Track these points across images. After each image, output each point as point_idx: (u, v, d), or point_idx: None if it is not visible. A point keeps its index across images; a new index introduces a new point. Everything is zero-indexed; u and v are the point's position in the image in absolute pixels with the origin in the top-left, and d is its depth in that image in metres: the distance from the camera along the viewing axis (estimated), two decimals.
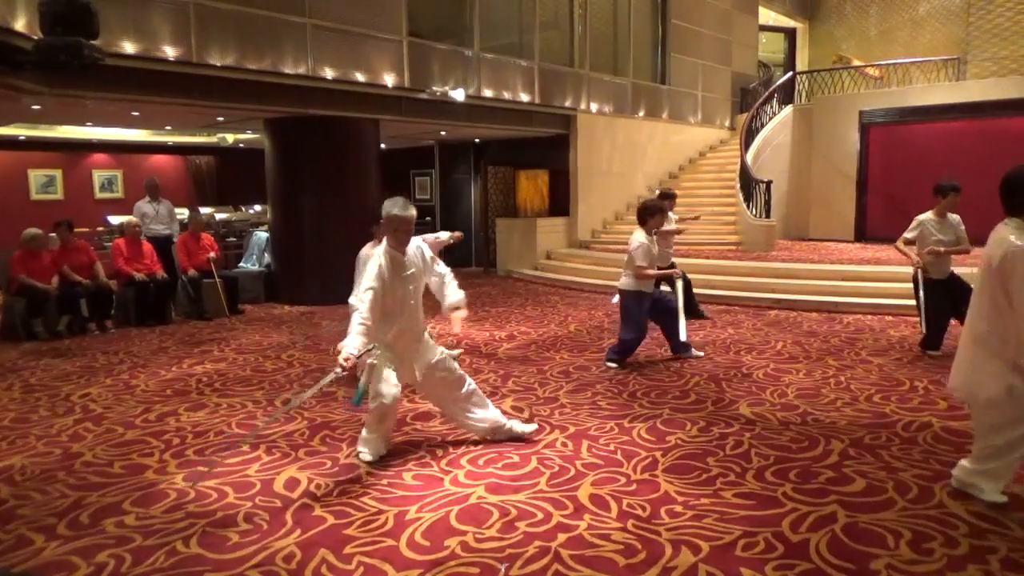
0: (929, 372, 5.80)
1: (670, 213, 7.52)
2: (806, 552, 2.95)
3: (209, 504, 3.52)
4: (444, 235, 6.53)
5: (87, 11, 5.79)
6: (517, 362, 6.47)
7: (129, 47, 7.59)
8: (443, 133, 13.07)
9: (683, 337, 6.38)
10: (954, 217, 6.11)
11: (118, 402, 5.36)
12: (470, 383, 4.24)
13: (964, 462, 3.48)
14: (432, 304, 4.28)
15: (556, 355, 6.72)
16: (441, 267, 4.22)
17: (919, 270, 6.13)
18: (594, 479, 3.74)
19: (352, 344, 3.54)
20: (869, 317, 8.34)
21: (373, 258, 3.87)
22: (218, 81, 8.41)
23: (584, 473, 3.83)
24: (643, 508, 3.39)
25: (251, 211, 15.12)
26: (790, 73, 16.93)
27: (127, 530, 3.25)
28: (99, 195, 14.48)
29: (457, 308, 4.18)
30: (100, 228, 12.90)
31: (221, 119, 11.08)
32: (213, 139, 14.66)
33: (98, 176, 14.53)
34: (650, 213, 6.09)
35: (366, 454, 4.07)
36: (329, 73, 9.29)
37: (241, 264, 11.23)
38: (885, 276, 9.26)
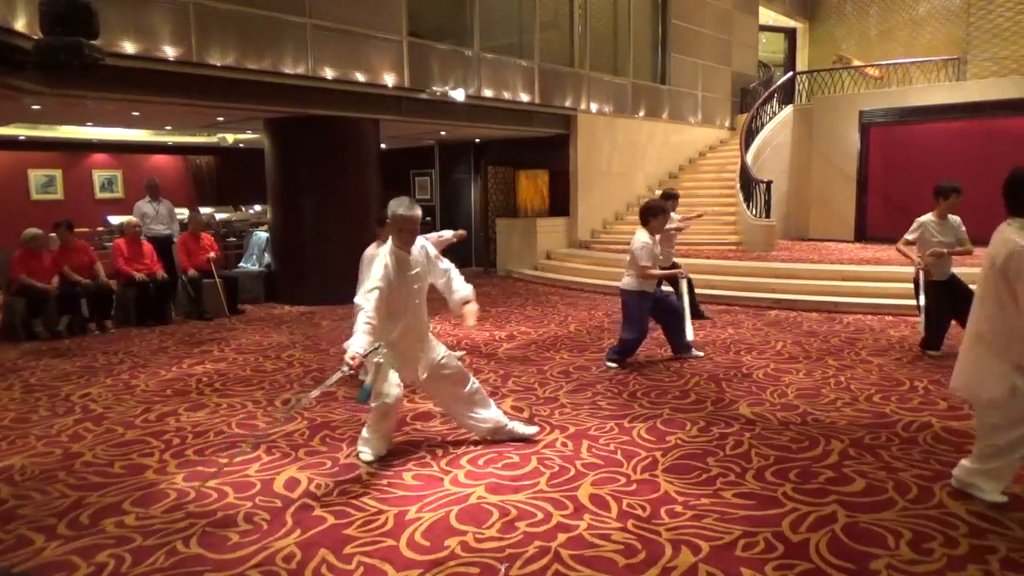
0: (929, 372, 5.80)
1: (672, 213, 7.52)
2: (806, 552, 2.95)
3: (209, 504, 3.52)
4: (447, 234, 6.54)
5: (87, 11, 5.80)
6: (517, 362, 6.47)
7: (129, 47, 7.59)
8: (443, 133, 13.07)
9: (690, 337, 6.39)
10: (955, 219, 6.12)
11: (118, 402, 5.36)
12: (474, 381, 4.24)
13: (965, 462, 3.48)
14: (434, 304, 4.28)
15: (556, 355, 6.72)
16: (445, 263, 4.23)
17: (921, 271, 6.13)
18: (594, 479, 3.74)
19: (358, 343, 3.54)
20: (869, 317, 8.34)
21: (379, 257, 3.87)
22: (218, 81, 8.41)
23: (584, 473, 3.83)
24: (643, 508, 3.39)
25: (251, 211, 15.12)
26: (790, 73, 16.93)
27: (127, 530, 3.25)
28: (99, 195, 14.48)
29: (467, 302, 4.17)
30: (100, 228, 12.90)
31: (221, 119, 11.08)
32: (213, 139, 14.66)
33: (98, 176, 14.53)
34: (653, 213, 6.09)
35: (366, 454, 4.08)
36: (329, 73, 9.29)
37: (241, 264, 11.24)
38: (885, 276, 9.26)
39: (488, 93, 11.45)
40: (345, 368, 3.53)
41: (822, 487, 3.59)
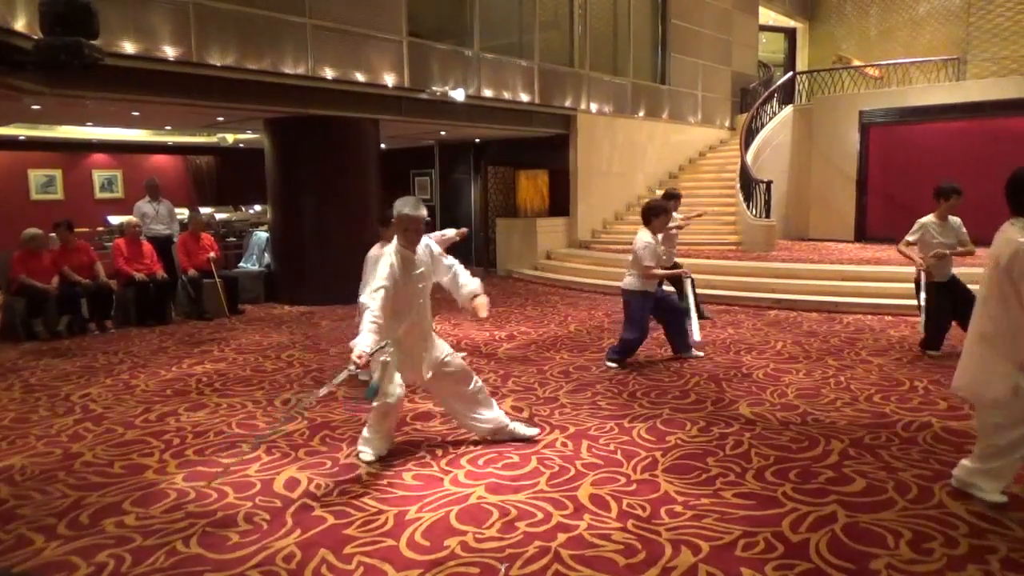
0: (929, 372, 5.80)
1: (674, 213, 7.53)
2: (806, 552, 2.95)
3: (209, 504, 3.52)
4: (450, 232, 6.54)
5: (87, 11, 5.80)
6: (517, 362, 6.47)
7: (129, 47, 7.59)
8: (443, 133, 13.06)
9: (697, 337, 6.40)
10: (955, 220, 6.13)
11: (118, 402, 5.36)
12: (476, 380, 4.25)
13: (965, 461, 3.48)
14: (435, 304, 4.28)
15: (556, 355, 6.72)
16: (449, 259, 4.23)
17: (922, 272, 6.13)
18: (594, 479, 3.74)
19: (364, 342, 3.54)
20: (869, 317, 8.34)
21: (384, 257, 3.88)
22: (218, 81, 8.41)
23: (584, 473, 3.83)
24: (643, 508, 3.39)
25: (251, 211, 15.11)
26: (790, 73, 16.93)
27: (127, 530, 3.25)
28: (99, 195, 14.48)
29: (476, 295, 4.17)
30: (100, 228, 12.89)
31: (221, 119, 11.07)
32: (213, 139, 14.66)
33: (98, 176, 14.53)
34: (655, 213, 6.10)
35: (366, 454, 4.08)
36: (329, 73, 9.29)
37: (241, 264, 11.23)
38: (885, 276, 9.26)
39: (488, 93, 11.45)
40: (352, 367, 3.53)
41: (822, 487, 3.59)
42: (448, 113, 10.99)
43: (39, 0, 5.75)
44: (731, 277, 10.05)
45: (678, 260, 8.19)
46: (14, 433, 4.67)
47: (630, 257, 6.18)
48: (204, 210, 13.17)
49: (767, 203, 12.28)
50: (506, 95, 11.75)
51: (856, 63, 16.69)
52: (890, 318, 8.20)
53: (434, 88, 10.47)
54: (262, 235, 11.21)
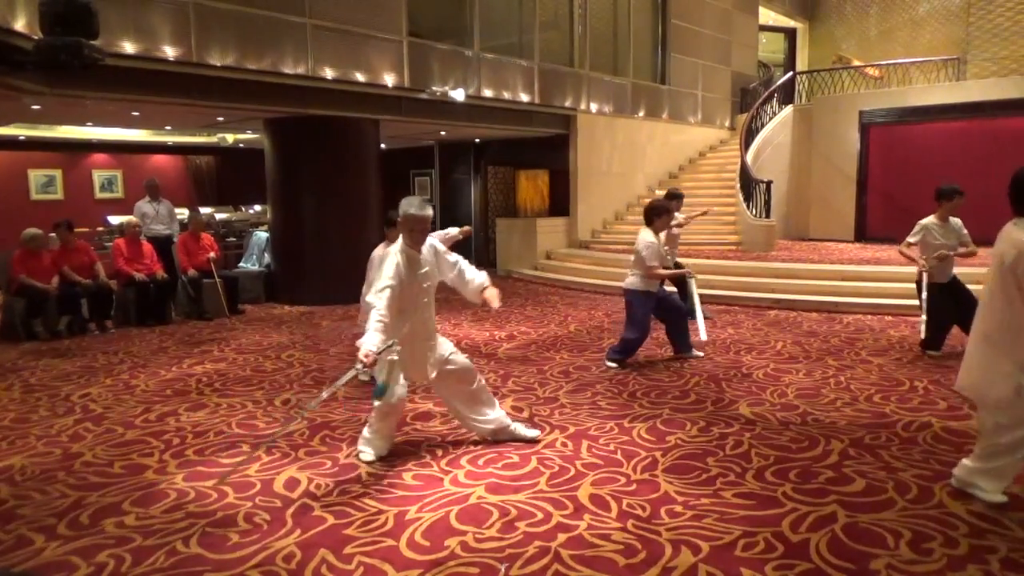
0: (929, 372, 5.80)
1: (676, 214, 7.53)
2: (806, 552, 2.95)
3: (209, 504, 3.52)
4: (453, 231, 6.53)
5: (87, 11, 5.80)
6: (517, 362, 6.47)
7: (129, 47, 7.59)
8: (443, 133, 13.07)
9: (704, 337, 6.39)
10: (956, 221, 6.13)
11: (118, 402, 5.36)
12: (480, 379, 4.26)
13: (966, 461, 3.48)
14: (438, 305, 4.28)
15: (556, 355, 6.72)
16: (453, 256, 4.23)
17: (924, 273, 6.13)
18: (594, 479, 3.74)
19: (371, 341, 3.54)
20: (869, 317, 8.34)
21: (390, 256, 3.88)
22: (218, 81, 8.41)
23: (584, 473, 3.83)
24: (643, 508, 3.39)
25: (251, 211, 15.11)
26: (790, 73, 16.93)
27: (127, 530, 3.26)
28: (99, 195, 14.47)
29: (485, 288, 4.17)
30: (100, 228, 12.89)
31: (221, 119, 11.07)
32: (213, 139, 14.66)
33: (98, 176, 14.52)
34: (657, 213, 6.11)
35: (366, 454, 4.08)
36: (329, 73, 9.30)
37: (241, 264, 11.23)
38: (885, 276, 9.26)
39: (488, 93, 11.45)
40: (359, 366, 3.53)
41: (822, 487, 3.59)
42: (448, 113, 10.99)
43: (39, 0, 5.75)
44: (731, 277, 10.05)
45: (680, 260, 8.19)
46: (14, 433, 4.67)
47: (631, 257, 6.18)
48: (204, 210, 13.16)
49: (767, 203, 12.28)
50: (506, 95, 11.75)
51: (856, 63, 16.70)
52: (890, 318, 8.20)
53: (434, 88, 10.47)
54: (262, 235, 11.21)
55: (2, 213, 12.49)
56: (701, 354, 6.48)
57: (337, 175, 9.99)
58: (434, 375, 4.07)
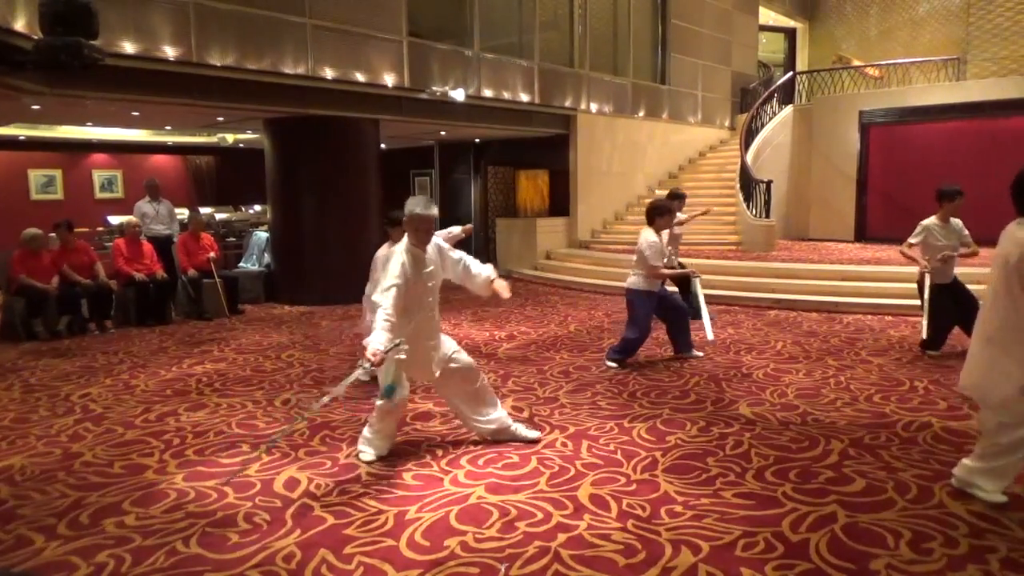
0: (929, 372, 5.80)
1: (678, 214, 7.53)
2: (806, 552, 2.95)
3: (209, 504, 3.52)
4: (456, 229, 6.53)
5: (87, 11, 5.80)
6: (517, 362, 6.47)
7: (129, 47, 7.59)
8: (443, 133, 13.06)
9: (711, 337, 6.39)
10: (956, 222, 6.14)
11: (118, 402, 5.36)
12: (483, 378, 4.26)
13: (966, 461, 3.48)
14: (440, 304, 4.27)
15: (556, 355, 6.72)
16: (456, 253, 4.23)
17: (927, 274, 6.13)
18: (594, 479, 3.74)
19: (378, 340, 3.54)
20: (869, 317, 8.34)
21: (395, 255, 3.88)
22: (218, 81, 8.41)
23: (584, 473, 3.83)
24: (643, 508, 3.39)
25: (251, 211, 15.12)
26: (790, 73, 16.93)
27: (127, 530, 3.26)
28: (99, 195, 14.48)
29: (493, 279, 4.17)
30: (100, 228, 12.90)
31: (221, 119, 11.07)
32: (213, 139, 14.66)
33: (98, 176, 14.53)
34: (659, 213, 6.12)
35: (366, 454, 4.08)
36: (329, 73, 9.30)
37: (241, 264, 11.23)
38: (885, 276, 9.26)
39: (488, 93, 11.45)
40: (367, 365, 3.53)
41: (822, 487, 3.59)
42: (448, 113, 10.99)
43: (39, 0, 5.74)
44: (731, 277, 10.04)
45: (682, 260, 8.18)
46: (14, 433, 4.67)
47: (631, 257, 6.18)
48: (204, 210, 13.18)
49: (767, 203, 12.28)
50: (506, 95, 11.75)
51: (856, 63, 16.70)
52: (890, 318, 8.20)
53: (434, 88, 10.47)
54: (262, 235, 11.21)
55: (2, 213, 12.50)
56: (701, 354, 6.48)
57: (337, 175, 9.99)
58: (438, 374, 4.08)
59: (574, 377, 5.88)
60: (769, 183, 12.27)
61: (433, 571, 2.87)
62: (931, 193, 6.20)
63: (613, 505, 3.43)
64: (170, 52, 7.90)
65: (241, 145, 14.89)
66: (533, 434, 4.36)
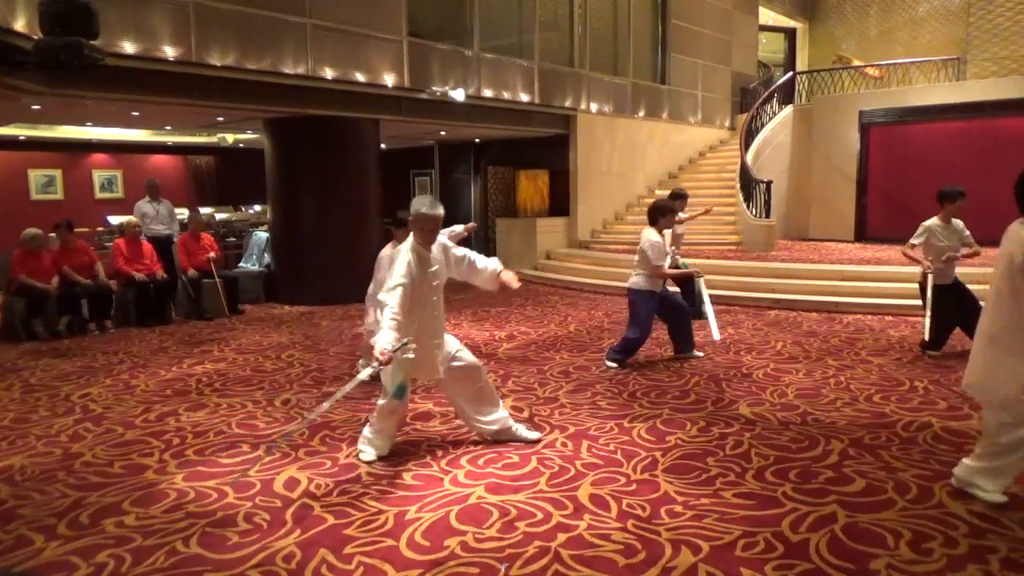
0: (929, 372, 5.80)
1: (679, 213, 7.53)
2: (806, 552, 2.95)
3: (209, 504, 3.52)
4: (459, 228, 6.54)
5: (87, 11, 5.79)
6: (517, 362, 6.47)
7: (129, 47, 7.59)
8: (443, 133, 13.07)
9: (717, 336, 6.38)
10: (957, 222, 6.15)
11: (118, 402, 5.36)
12: (486, 376, 4.27)
13: (966, 460, 3.48)
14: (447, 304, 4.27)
15: (556, 355, 6.72)
16: (460, 250, 4.23)
17: (929, 275, 6.13)
18: (594, 479, 3.74)
19: (386, 339, 3.54)
20: (869, 317, 8.34)
21: (401, 254, 3.89)
22: (218, 81, 8.41)
23: (584, 473, 3.83)
24: (643, 508, 3.39)
25: (251, 211, 15.12)
26: (790, 73, 16.93)
27: (127, 530, 3.26)
28: (99, 195, 14.48)
29: (500, 271, 4.19)
30: (100, 228, 12.90)
31: (221, 119, 11.08)
32: (213, 139, 14.67)
33: (98, 176, 14.53)
34: (661, 213, 6.13)
35: (367, 454, 4.08)
36: (329, 73, 9.30)
37: (241, 264, 11.23)
38: (885, 276, 9.26)
39: (488, 93, 11.45)
40: (375, 363, 3.53)
41: (822, 487, 3.59)
42: (448, 113, 10.99)
43: (39, 0, 5.74)
44: (731, 277, 10.04)
45: (683, 260, 8.18)
46: (14, 433, 4.67)
47: (632, 257, 6.18)
48: (204, 210, 13.18)
49: (767, 203, 12.28)
50: (506, 95, 11.75)
51: (856, 63, 16.70)
52: (890, 318, 8.20)
53: (434, 88, 10.47)
54: (262, 235, 11.21)
55: (2, 213, 12.50)
56: (701, 354, 6.48)
57: (337, 175, 9.99)
58: (442, 372, 4.08)
59: (574, 377, 5.88)
60: (769, 183, 12.27)
61: (433, 571, 2.87)
62: (931, 193, 6.21)
63: (613, 505, 3.43)
64: (170, 52, 7.90)
65: (241, 145, 14.89)
66: (534, 435, 4.36)
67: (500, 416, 4.28)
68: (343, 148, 10.05)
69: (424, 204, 3.90)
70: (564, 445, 4.26)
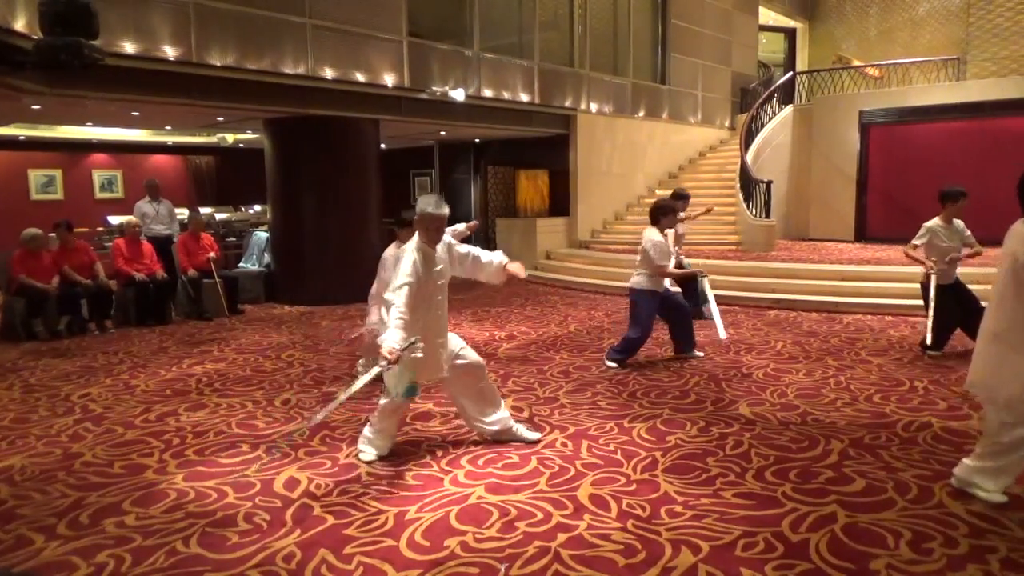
0: (929, 372, 5.80)
1: (680, 213, 7.53)
2: (806, 552, 2.95)
3: (209, 504, 3.52)
4: (461, 227, 6.54)
5: (87, 11, 5.79)
6: (517, 362, 6.47)
7: (129, 47, 7.59)
8: (443, 133, 13.07)
9: (723, 336, 6.37)
10: (958, 223, 6.15)
11: (118, 402, 5.36)
12: (488, 375, 4.28)
13: (967, 460, 3.48)
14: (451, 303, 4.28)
15: (556, 355, 6.72)
16: (464, 247, 4.24)
17: (932, 275, 6.12)
18: (594, 479, 3.74)
19: (393, 338, 3.54)
20: (869, 317, 8.34)
21: (406, 254, 3.89)
22: (218, 81, 8.41)
23: (584, 473, 3.83)
24: (643, 508, 3.39)
25: (251, 211, 15.12)
26: (790, 73, 16.93)
27: (127, 530, 3.26)
28: (99, 195, 14.49)
29: (506, 264, 4.20)
30: (100, 228, 12.90)
31: (221, 119, 11.08)
32: (213, 139, 14.67)
33: (98, 176, 14.54)
34: (663, 212, 6.13)
35: (367, 454, 4.08)
36: (329, 73, 9.30)
37: (241, 264, 11.23)
38: (885, 276, 9.26)
39: (488, 93, 11.45)
40: (383, 363, 3.53)
41: (822, 487, 3.59)
42: (448, 113, 11.00)
43: (39, 0, 5.75)
44: (731, 277, 10.03)
45: (688, 260, 8.17)
46: (14, 433, 4.67)
47: (631, 257, 6.18)
48: (204, 210, 13.19)
49: (767, 203, 12.29)
50: (506, 95, 11.75)
51: (856, 63, 16.70)
52: (890, 318, 8.20)
53: (434, 88, 10.47)
54: (262, 235, 11.21)
55: (2, 213, 12.50)
56: (701, 354, 6.48)
57: (337, 175, 9.99)
58: (447, 372, 4.08)
59: (574, 377, 5.88)
60: (769, 183, 12.27)
61: (433, 571, 2.87)
62: (931, 193, 6.21)
63: (613, 505, 3.43)
64: (170, 52, 7.90)
65: (241, 145, 14.90)
66: (534, 435, 4.36)
67: (501, 416, 4.28)
68: (343, 148, 10.05)
69: (430, 203, 3.91)
70: (564, 445, 4.26)
